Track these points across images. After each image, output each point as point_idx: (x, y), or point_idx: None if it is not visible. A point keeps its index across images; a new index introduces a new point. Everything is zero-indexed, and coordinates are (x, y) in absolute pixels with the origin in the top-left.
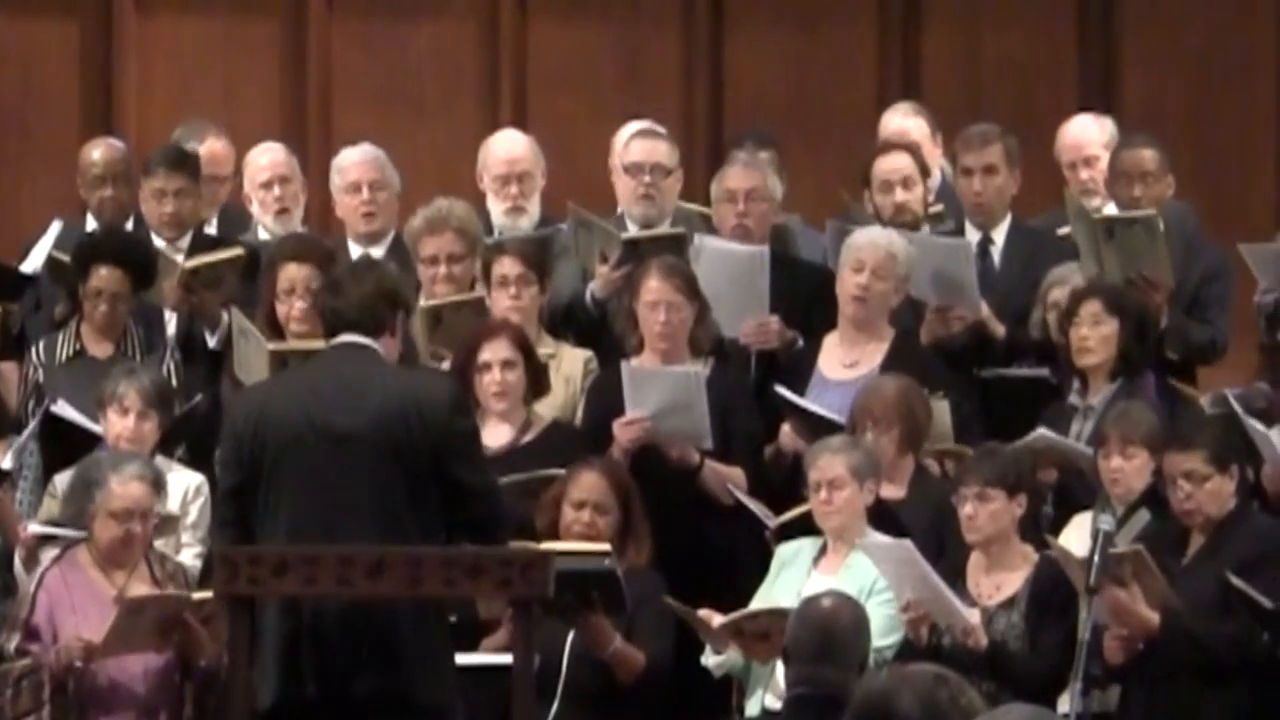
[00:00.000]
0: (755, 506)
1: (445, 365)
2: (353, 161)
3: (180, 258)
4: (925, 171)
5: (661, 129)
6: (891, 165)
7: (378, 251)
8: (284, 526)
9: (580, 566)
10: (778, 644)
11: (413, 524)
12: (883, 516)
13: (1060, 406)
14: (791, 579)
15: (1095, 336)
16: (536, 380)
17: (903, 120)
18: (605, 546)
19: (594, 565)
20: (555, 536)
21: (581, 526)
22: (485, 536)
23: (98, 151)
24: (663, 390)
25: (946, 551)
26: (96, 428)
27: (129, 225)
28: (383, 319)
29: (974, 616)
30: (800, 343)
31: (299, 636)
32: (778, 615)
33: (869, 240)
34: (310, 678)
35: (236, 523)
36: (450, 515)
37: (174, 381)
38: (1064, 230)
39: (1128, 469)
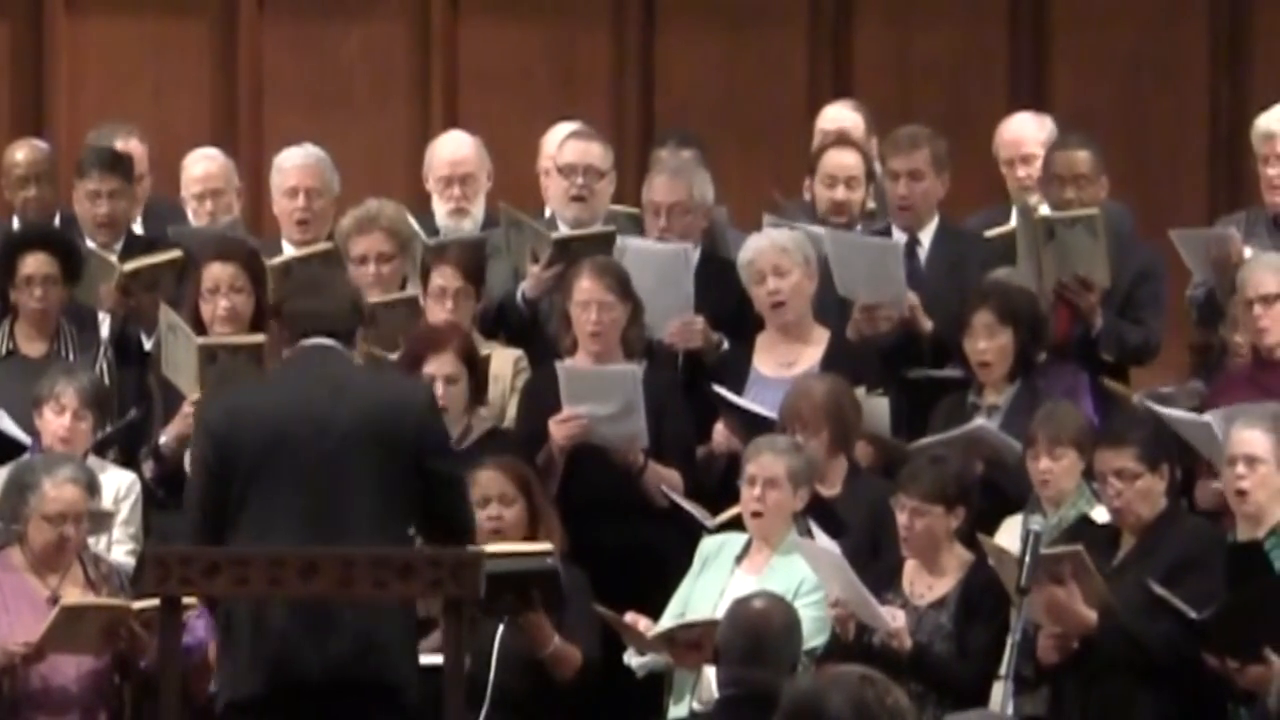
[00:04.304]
0: (692, 508)
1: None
2: (293, 165)
3: (114, 259)
4: (870, 175)
5: (593, 131)
6: (839, 161)
7: None
8: (266, 525)
9: (520, 566)
10: (709, 652)
11: (395, 519)
12: (821, 510)
13: (960, 403)
14: (715, 577)
15: (993, 349)
16: (478, 390)
17: (838, 113)
18: (547, 546)
19: (534, 564)
20: None
21: (491, 523)
22: (456, 527)
23: (21, 152)
24: (600, 389)
25: (883, 550)
26: (24, 437)
27: (55, 225)
28: (355, 328)
29: (899, 619)
30: (725, 345)
31: (273, 625)
32: (711, 626)
33: (755, 250)
34: (284, 666)
35: (210, 520)
36: (426, 507)
37: (107, 381)
38: (992, 232)
39: (1056, 470)
